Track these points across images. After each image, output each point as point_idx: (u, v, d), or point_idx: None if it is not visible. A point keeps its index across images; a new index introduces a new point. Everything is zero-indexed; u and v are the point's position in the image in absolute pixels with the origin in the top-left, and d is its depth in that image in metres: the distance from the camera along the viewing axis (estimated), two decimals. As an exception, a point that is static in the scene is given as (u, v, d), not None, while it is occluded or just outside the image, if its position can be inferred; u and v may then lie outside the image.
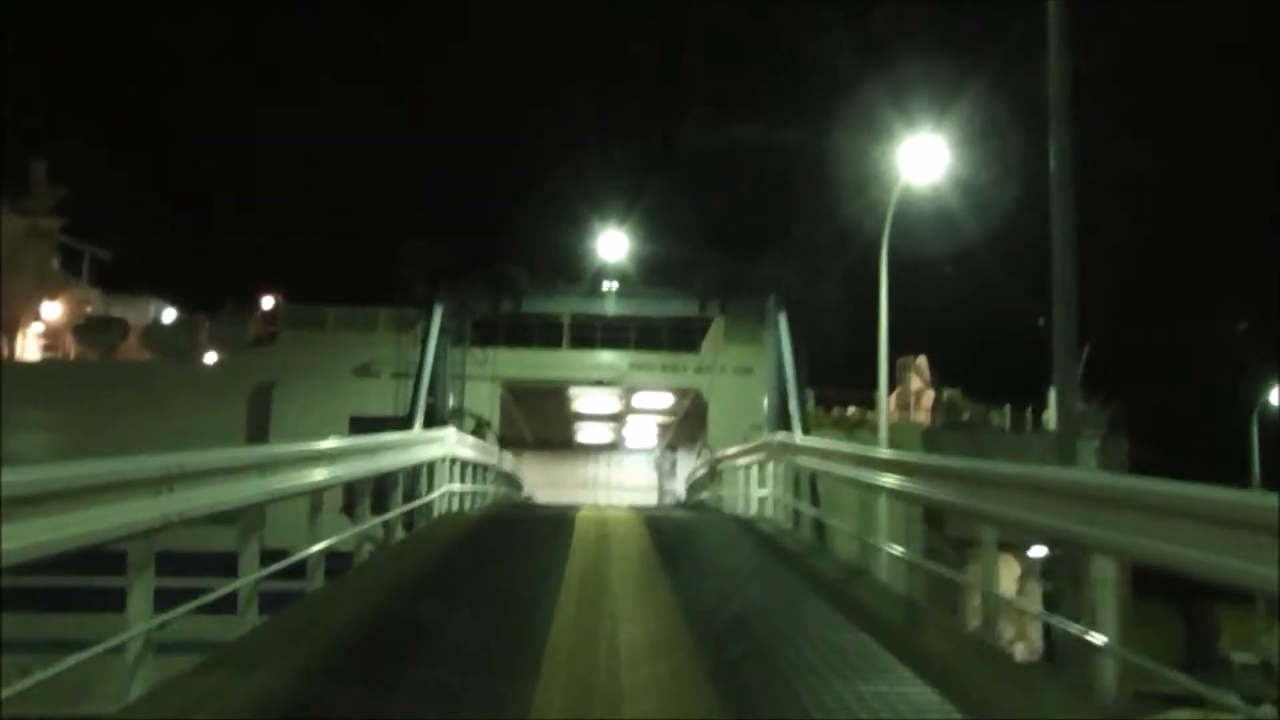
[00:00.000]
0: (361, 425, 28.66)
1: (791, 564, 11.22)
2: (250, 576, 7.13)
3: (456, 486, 16.45)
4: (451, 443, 15.47)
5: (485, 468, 20.49)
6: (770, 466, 15.84)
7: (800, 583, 10.02)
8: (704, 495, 25.47)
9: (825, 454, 12.75)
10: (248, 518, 7.18)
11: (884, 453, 11.07)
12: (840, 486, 12.26)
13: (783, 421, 26.56)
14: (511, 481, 25.11)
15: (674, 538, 13.37)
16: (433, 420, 26.41)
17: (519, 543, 12.90)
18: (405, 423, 24.87)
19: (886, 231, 18.28)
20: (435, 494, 14.08)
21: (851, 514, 12.21)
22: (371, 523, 10.41)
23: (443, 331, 26.79)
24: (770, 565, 11.36)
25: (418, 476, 13.19)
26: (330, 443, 9.67)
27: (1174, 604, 33.22)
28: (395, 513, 11.50)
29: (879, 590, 9.74)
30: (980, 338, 43.44)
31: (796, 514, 14.69)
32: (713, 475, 22.74)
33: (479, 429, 24.63)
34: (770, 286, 26.39)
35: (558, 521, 14.56)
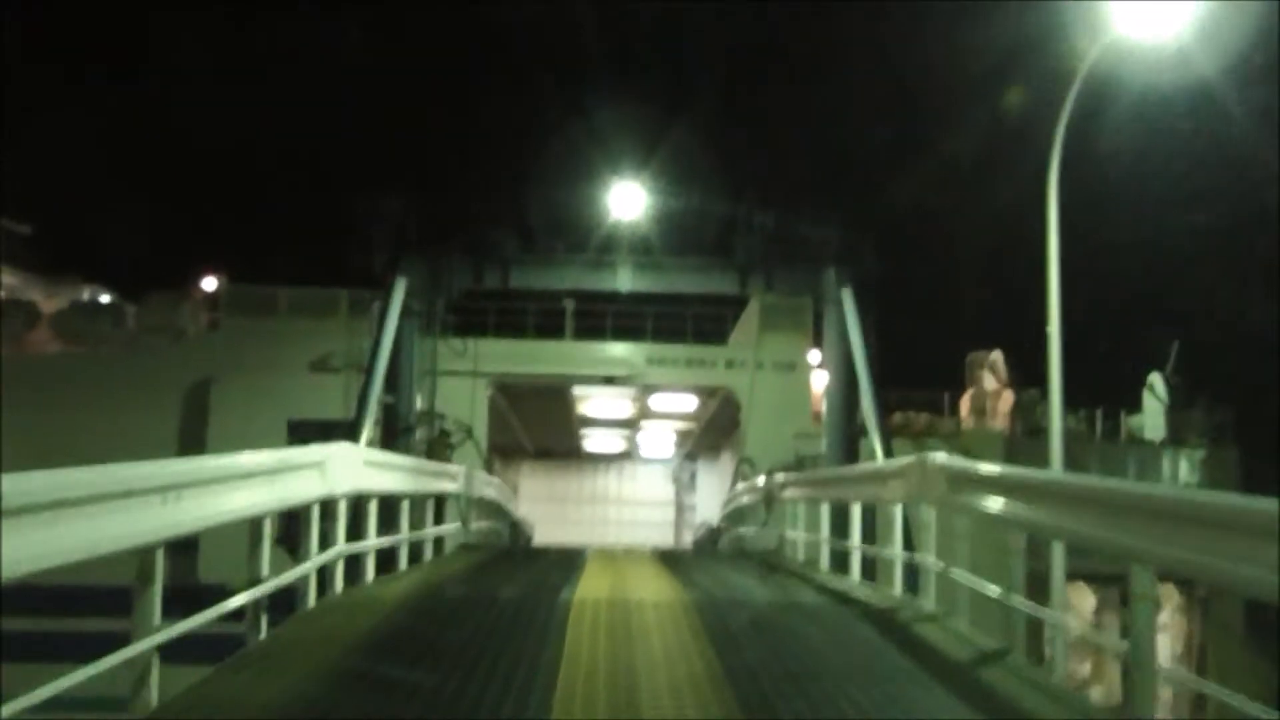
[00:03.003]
0: (303, 432, 23.02)
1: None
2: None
3: (376, 542, 10.07)
4: (346, 468, 8.66)
5: (440, 499, 14.06)
6: (918, 511, 9.04)
7: None
8: (747, 530, 19.09)
9: (1066, 497, 6.19)
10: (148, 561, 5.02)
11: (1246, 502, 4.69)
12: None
13: (848, 428, 20.84)
14: (493, 510, 18.74)
15: None
16: (394, 426, 20.85)
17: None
18: (351, 429, 19.20)
19: (1061, 128, 11.81)
20: (300, 571, 7.45)
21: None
22: (40, 693, 4.00)
23: (409, 314, 21.02)
24: None
25: (257, 539, 6.67)
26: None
27: (1252, 630, 27.45)
28: (139, 647, 4.73)
29: None
30: (1068, 328, 36.74)
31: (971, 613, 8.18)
32: (768, 505, 16.36)
33: (436, 443, 18.27)
34: (833, 254, 20.49)
35: (537, 632, 7.82)
